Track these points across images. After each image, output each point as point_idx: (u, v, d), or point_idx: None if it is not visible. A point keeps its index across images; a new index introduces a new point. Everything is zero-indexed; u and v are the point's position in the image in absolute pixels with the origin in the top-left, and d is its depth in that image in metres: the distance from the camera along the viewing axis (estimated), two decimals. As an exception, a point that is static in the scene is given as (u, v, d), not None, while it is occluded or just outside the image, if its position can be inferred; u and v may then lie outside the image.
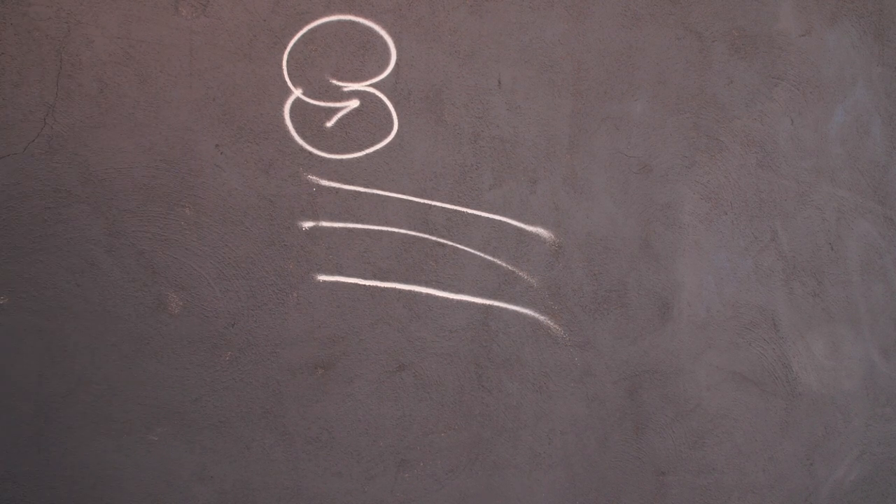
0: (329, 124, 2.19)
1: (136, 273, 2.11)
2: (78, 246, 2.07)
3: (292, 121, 2.17)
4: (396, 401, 2.30)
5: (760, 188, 2.52)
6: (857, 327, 2.63)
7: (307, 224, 2.20)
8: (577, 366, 2.41)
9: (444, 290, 2.30)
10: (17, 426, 2.08)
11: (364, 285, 2.25)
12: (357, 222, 2.23)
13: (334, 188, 2.21)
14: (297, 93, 2.17)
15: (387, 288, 2.26)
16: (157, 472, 2.16)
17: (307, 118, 2.18)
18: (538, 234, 2.35)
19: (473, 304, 2.32)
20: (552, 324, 2.38)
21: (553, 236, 2.36)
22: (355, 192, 2.23)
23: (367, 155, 2.23)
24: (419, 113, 2.25)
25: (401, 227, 2.26)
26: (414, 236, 2.27)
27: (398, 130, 2.24)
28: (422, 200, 2.27)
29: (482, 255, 2.32)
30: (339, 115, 2.20)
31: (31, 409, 2.08)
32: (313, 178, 2.19)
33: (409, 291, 2.28)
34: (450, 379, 2.33)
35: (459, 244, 2.30)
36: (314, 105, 2.18)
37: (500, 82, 2.31)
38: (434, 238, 2.28)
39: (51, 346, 2.07)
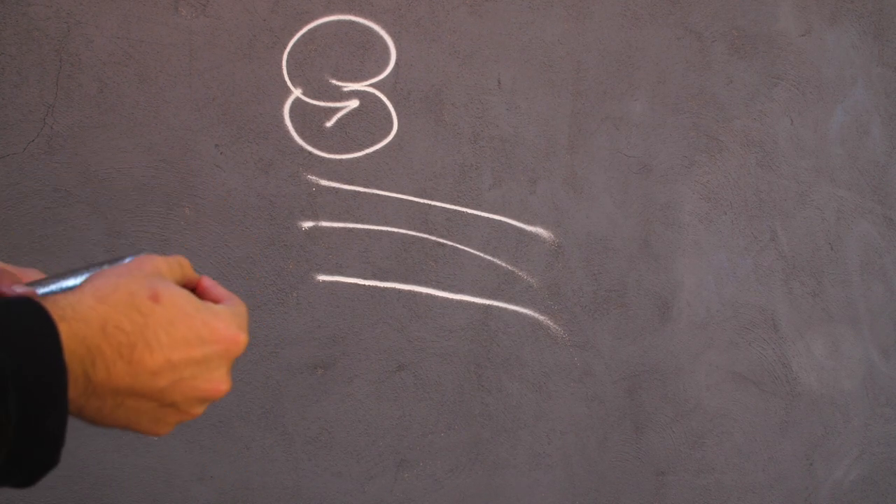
0: (329, 124, 2.20)
1: (135, 273, 2.11)
2: (78, 246, 2.07)
3: (292, 121, 2.17)
4: (396, 401, 2.30)
5: (760, 188, 2.52)
6: (857, 327, 2.63)
7: (307, 224, 2.20)
8: (576, 366, 2.41)
9: (443, 290, 2.30)
10: (17, 426, 2.08)
11: (364, 285, 2.25)
12: (357, 222, 2.23)
13: (334, 188, 2.21)
14: (297, 93, 2.17)
15: (387, 288, 2.26)
16: (157, 472, 2.16)
17: (307, 118, 2.18)
18: (538, 234, 2.35)
19: (473, 304, 2.32)
20: (552, 324, 2.38)
21: (553, 236, 2.36)
22: (355, 192, 2.23)
23: (366, 155, 2.23)
24: (419, 113, 2.25)
25: (401, 227, 2.26)
26: (414, 236, 2.27)
27: (398, 130, 2.24)
28: (422, 200, 2.27)
29: (482, 255, 2.32)
30: (339, 115, 2.20)
31: (30, 408, 2.08)
32: (313, 178, 2.20)
33: (409, 291, 2.28)
34: (449, 379, 2.33)
35: (459, 244, 2.30)
36: (314, 105, 2.18)
37: (499, 82, 2.31)
38: (434, 238, 2.28)
39: (51, 346, 2.07)
